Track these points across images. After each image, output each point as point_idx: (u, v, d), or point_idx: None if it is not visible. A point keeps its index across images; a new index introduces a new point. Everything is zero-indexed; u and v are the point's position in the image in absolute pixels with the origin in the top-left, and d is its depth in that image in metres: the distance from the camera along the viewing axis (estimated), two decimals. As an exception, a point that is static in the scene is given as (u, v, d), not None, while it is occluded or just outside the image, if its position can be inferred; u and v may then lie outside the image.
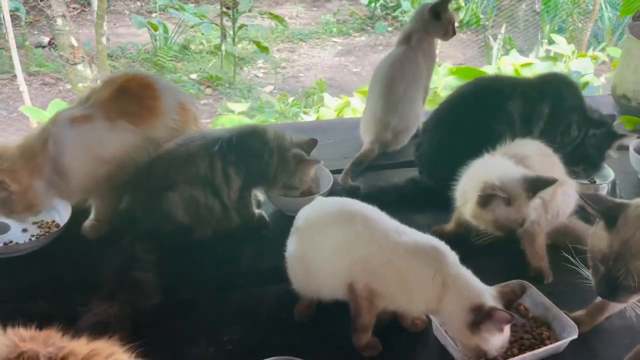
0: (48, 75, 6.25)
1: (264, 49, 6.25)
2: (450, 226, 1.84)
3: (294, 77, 6.68)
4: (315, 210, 1.49)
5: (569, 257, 1.47)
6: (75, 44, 5.09)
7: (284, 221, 1.79)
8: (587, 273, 1.37)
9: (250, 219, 1.90)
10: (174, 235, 1.75)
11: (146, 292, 1.53)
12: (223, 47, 6.48)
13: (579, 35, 6.78)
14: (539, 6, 7.14)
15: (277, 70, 6.76)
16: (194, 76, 6.45)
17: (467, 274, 1.37)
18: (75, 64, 5.11)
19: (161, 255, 1.66)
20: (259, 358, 1.36)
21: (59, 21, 5.01)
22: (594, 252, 1.31)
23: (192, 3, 7.68)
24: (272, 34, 7.47)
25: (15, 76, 5.07)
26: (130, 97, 1.79)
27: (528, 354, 1.41)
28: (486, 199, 1.58)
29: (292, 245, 1.49)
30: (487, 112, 2.01)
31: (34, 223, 1.88)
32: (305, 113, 5.07)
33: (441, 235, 1.45)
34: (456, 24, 2.40)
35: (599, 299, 1.50)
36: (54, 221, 1.90)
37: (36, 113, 3.97)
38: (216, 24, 6.38)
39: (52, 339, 0.96)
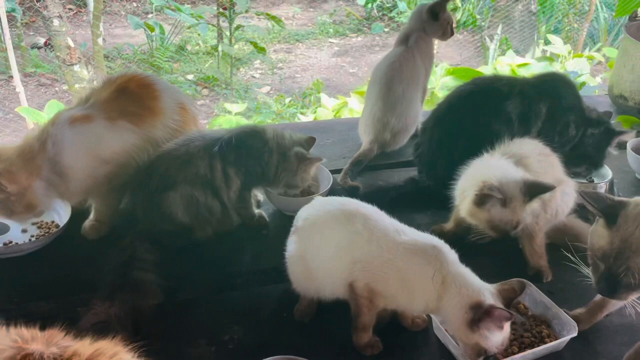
0: (44, 76, 6.24)
1: (261, 50, 6.24)
2: (449, 225, 1.85)
3: (290, 78, 6.68)
4: (315, 210, 1.49)
5: (568, 255, 1.48)
6: (72, 44, 5.07)
7: (284, 221, 1.80)
8: (587, 271, 1.38)
9: (250, 219, 1.90)
10: (174, 235, 1.76)
11: (147, 291, 1.54)
12: (220, 48, 6.48)
13: (574, 35, 6.81)
14: (535, 7, 7.16)
15: (273, 70, 6.76)
16: (190, 77, 6.45)
17: (466, 272, 1.37)
18: (72, 64, 5.09)
19: (162, 255, 1.66)
20: (260, 357, 1.37)
21: (56, 22, 4.99)
22: (594, 250, 1.32)
23: (188, 4, 7.66)
24: (268, 35, 7.47)
25: (11, 77, 5.05)
26: (130, 97, 1.79)
27: (528, 352, 1.42)
28: (482, 198, 1.59)
29: (292, 245, 1.50)
30: (485, 111, 2.02)
31: (34, 224, 1.88)
32: (302, 114, 5.08)
33: (440, 235, 1.45)
34: (454, 25, 2.41)
35: (598, 297, 1.51)
36: (53, 222, 1.90)
37: (33, 114, 3.96)
38: (213, 25, 6.38)
39: (56, 339, 0.95)
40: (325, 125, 2.84)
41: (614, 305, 1.50)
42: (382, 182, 2.19)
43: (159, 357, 1.11)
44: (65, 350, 0.92)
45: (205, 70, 6.52)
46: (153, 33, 6.51)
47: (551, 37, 5.63)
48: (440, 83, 3.92)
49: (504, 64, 4.49)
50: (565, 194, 1.76)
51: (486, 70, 4.65)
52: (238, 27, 6.51)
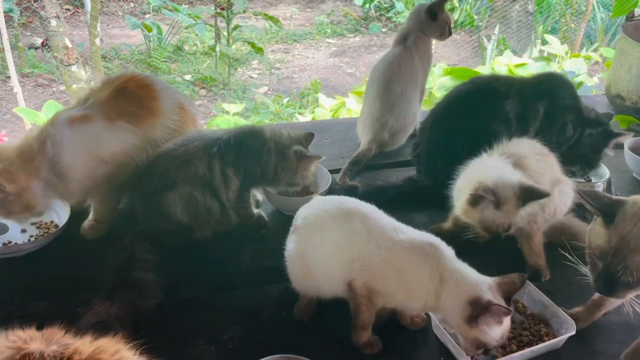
0: (41, 76, 6.23)
1: (259, 50, 6.24)
2: (447, 225, 1.86)
3: (288, 78, 6.68)
4: (314, 209, 1.50)
5: (566, 254, 1.48)
6: (69, 45, 5.07)
7: (283, 220, 1.81)
8: (585, 270, 1.38)
9: (249, 219, 1.91)
10: (173, 235, 1.76)
11: (147, 291, 1.54)
12: (217, 48, 6.48)
13: (572, 35, 6.83)
14: (532, 7, 7.18)
15: (271, 71, 6.76)
16: (188, 77, 6.44)
17: (463, 267, 1.38)
18: (70, 65, 5.08)
19: (161, 255, 1.66)
20: (260, 356, 1.37)
21: (53, 22, 4.98)
22: (592, 249, 1.33)
23: (186, 4, 7.66)
24: (266, 35, 7.47)
25: (9, 77, 5.05)
26: (129, 97, 1.79)
27: (527, 350, 1.43)
28: (476, 199, 1.60)
29: (291, 244, 1.50)
30: (483, 111, 2.02)
31: (33, 224, 1.88)
32: (300, 114, 5.08)
33: (439, 234, 1.46)
34: (452, 25, 2.42)
35: (596, 295, 1.52)
36: (52, 222, 1.90)
37: (30, 114, 3.95)
38: (210, 25, 6.38)
39: (56, 337, 0.95)
40: (324, 125, 2.84)
41: (612, 303, 1.51)
42: (381, 181, 2.19)
43: (158, 357, 1.11)
44: (65, 348, 0.92)
45: (202, 71, 6.53)
46: (150, 33, 6.51)
47: (548, 37, 5.64)
48: (438, 83, 3.92)
49: (501, 64, 4.50)
50: (564, 194, 1.77)
51: (484, 70, 4.66)
52: (236, 27, 6.50)
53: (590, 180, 2.18)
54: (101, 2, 6.75)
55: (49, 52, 6.02)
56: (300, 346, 1.41)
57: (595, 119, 2.15)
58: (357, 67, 6.95)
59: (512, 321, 1.46)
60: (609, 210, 1.29)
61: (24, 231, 1.86)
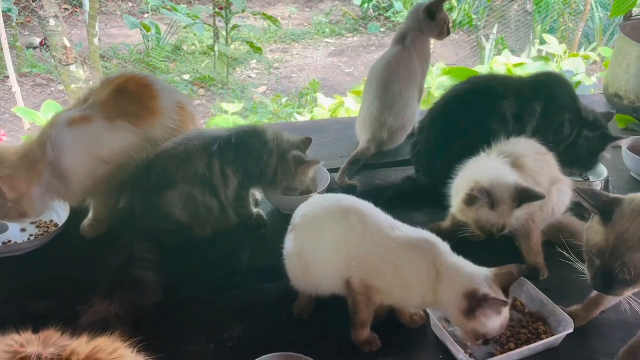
0: (40, 76, 6.23)
1: (257, 50, 6.24)
2: (446, 224, 1.86)
3: (287, 78, 6.69)
4: (312, 207, 1.51)
5: (564, 253, 1.49)
6: (68, 44, 5.06)
7: (282, 219, 1.81)
8: (583, 268, 1.39)
9: (248, 218, 1.91)
10: (172, 234, 1.76)
11: (146, 290, 1.54)
12: (216, 48, 6.48)
13: (570, 35, 6.83)
14: (531, 6, 7.19)
15: (270, 70, 6.76)
16: (186, 77, 6.44)
17: (459, 261, 1.39)
18: (68, 65, 5.08)
19: (161, 253, 1.66)
20: (259, 354, 1.38)
21: (52, 22, 4.98)
22: (589, 246, 1.33)
23: (184, 4, 7.66)
24: (265, 35, 7.48)
25: (7, 77, 5.05)
26: (128, 97, 1.79)
27: (525, 348, 1.43)
28: (472, 198, 1.61)
29: (290, 242, 1.51)
30: (481, 111, 2.03)
31: (32, 223, 1.88)
32: (299, 113, 5.08)
33: (437, 233, 1.46)
34: (450, 24, 2.42)
35: (594, 293, 1.53)
36: (52, 221, 1.90)
37: (29, 114, 3.95)
38: (209, 25, 6.38)
39: (53, 339, 0.95)
40: (322, 124, 2.85)
41: (610, 301, 1.52)
42: (380, 181, 2.19)
43: (158, 355, 1.11)
44: (63, 350, 0.92)
45: (201, 70, 6.53)
46: (149, 33, 6.51)
47: (547, 36, 5.64)
48: (437, 83, 3.93)
49: (500, 63, 4.50)
50: (562, 193, 1.77)
51: (482, 70, 4.66)
52: (234, 27, 6.50)
53: (589, 180, 2.18)
54: (100, 1, 6.75)
55: (47, 51, 6.02)
56: (300, 344, 1.42)
57: (593, 121, 2.15)
58: (356, 67, 6.95)
59: (511, 319, 1.47)
60: (606, 208, 1.30)
61: (23, 230, 1.86)
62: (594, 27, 6.98)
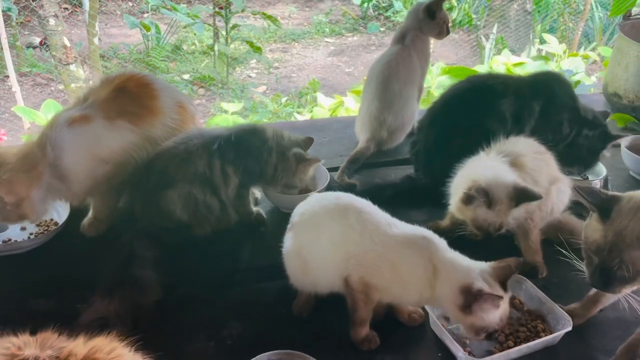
0: (40, 75, 6.23)
1: (257, 49, 6.24)
2: (445, 222, 1.87)
3: (286, 77, 6.69)
4: (311, 205, 1.51)
5: (563, 251, 1.49)
6: (67, 44, 5.06)
7: (281, 218, 1.81)
8: (581, 266, 1.39)
9: (248, 217, 1.91)
10: (172, 233, 1.76)
11: (146, 288, 1.55)
12: (216, 48, 6.48)
13: (570, 34, 6.84)
14: (531, 6, 7.19)
15: (270, 70, 6.76)
16: (186, 76, 6.44)
17: (455, 256, 1.40)
18: (68, 64, 5.08)
19: (161, 252, 1.67)
20: (258, 352, 1.38)
21: (51, 21, 4.98)
22: (588, 244, 1.33)
23: (184, 3, 7.66)
24: (264, 34, 7.48)
25: (7, 76, 5.05)
26: (128, 96, 1.79)
27: (523, 346, 1.44)
28: (469, 197, 1.61)
29: (289, 241, 1.51)
30: (480, 110, 2.03)
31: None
32: (299, 113, 5.08)
33: (436, 231, 1.47)
34: (450, 24, 2.43)
35: (592, 291, 1.54)
36: (52, 219, 1.90)
37: (29, 113, 3.94)
38: (209, 24, 6.38)
39: (50, 341, 0.95)
40: (322, 124, 2.85)
41: (608, 299, 1.52)
42: (379, 179, 2.20)
43: (158, 353, 1.11)
44: (60, 352, 0.92)
45: (201, 70, 6.53)
46: (149, 32, 6.51)
47: (546, 36, 5.64)
48: (436, 82, 3.92)
49: (499, 63, 4.49)
50: (561, 192, 1.78)
51: (482, 69, 4.65)
52: (234, 26, 6.50)
53: (587, 178, 2.19)
54: (99, 1, 6.76)
55: (47, 51, 6.02)
56: (299, 342, 1.43)
57: (593, 119, 2.16)
58: (356, 66, 6.95)
59: (509, 317, 1.47)
60: (605, 206, 1.30)
61: (23, 229, 1.86)
62: (593, 27, 6.98)
